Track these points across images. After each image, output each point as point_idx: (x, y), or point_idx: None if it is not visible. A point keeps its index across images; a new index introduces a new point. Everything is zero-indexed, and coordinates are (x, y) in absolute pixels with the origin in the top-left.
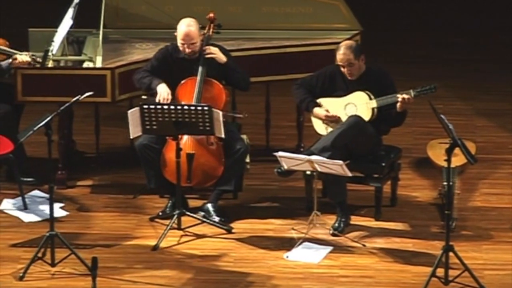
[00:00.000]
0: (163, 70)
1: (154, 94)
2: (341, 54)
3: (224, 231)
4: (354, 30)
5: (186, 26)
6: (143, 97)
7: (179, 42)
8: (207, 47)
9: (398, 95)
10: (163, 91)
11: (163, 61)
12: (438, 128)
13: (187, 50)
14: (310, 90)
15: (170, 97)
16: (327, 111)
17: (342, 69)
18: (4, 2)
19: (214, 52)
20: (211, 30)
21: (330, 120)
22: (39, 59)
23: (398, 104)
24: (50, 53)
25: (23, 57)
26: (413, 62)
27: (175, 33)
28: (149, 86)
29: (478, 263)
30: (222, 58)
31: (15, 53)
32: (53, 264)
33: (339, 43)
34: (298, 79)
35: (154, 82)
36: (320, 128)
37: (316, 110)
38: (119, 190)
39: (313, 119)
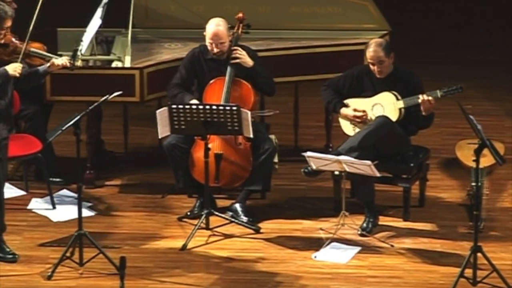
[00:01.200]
0: (192, 75)
1: None
2: (371, 52)
3: (252, 231)
4: (383, 30)
5: (215, 26)
6: None
7: (208, 41)
8: (236, 48)
9: (428, 96)
10: None
11: (191, 66)
12: (466, 129)
13: (215, 50)
14: (337, 91)
15: None
16: (355, 111)
17: (371, 67)
18: (34, 2)
19: (241, 56)
20: (240, 30)
21: (358, 120)
22: (77, 64)
23: (422, 107)
24: (79, 53)
25: (59, 60)
26: (442, 62)
27: (204, 33)
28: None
29: (506, 264)
30: (248, 62)
31: (52, 57)
32: (81, 264)
33: (367, 43)
34: (326, 80)
35: (185, 100)
36: (348, 128)
37: (344, 110)
38: (148, 189)
39: (341, 120)
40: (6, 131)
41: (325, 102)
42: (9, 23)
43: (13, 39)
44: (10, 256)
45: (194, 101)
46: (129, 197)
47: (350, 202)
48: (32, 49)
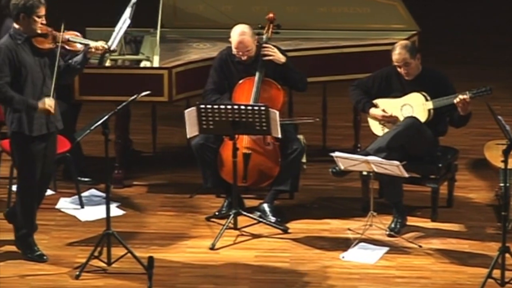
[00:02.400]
0: (223, 78)
1: None
2: (396, 54)
3: (280, 231)
4: (412, 30)
5: (239, 36)
6: None
7: (234, 50)
8: (267, 45)
9: (457, 97)
10: None
11: (221, 69)
12: (495, 129)
13: (243, 58)
14: (366, 91)
15: None
16: (383, 111)
17: (398, 69)
18: (62, 1)
19: (273, 53)
20: (270, 30)
21: (387, 120)
22: (113, 47)
23: (459, 108)
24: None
25: (98, 44)
26: (470, 63)
27: (230, 39)
28: None
29: None
30: (280, 58)
31: (89, 42)
32: (109, 263)
33: (396, 43)
34: (355, 81)
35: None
36: (377, 128)
37: (373, 110)
38: (176, 189)
39: (370, 120)
40: (45, 128)
41: (353, 102)
42: (43, 11)
43: (49, 29)
44: (39, 255)
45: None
46: (157, 197)
47: (378, 203)
48: (70, 36)
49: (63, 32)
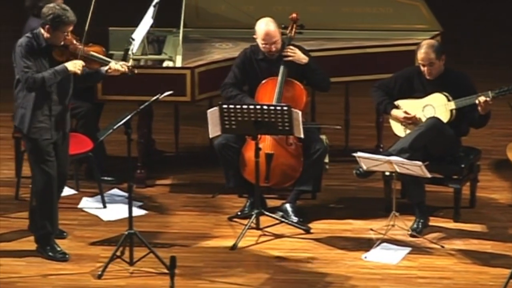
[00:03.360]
0: (245, 75)
1: None
2: (422, 53)
3: (302, 231)
4: (434, 31)
5: (265, 25)
6: None
7: (261, 43)
8: (288, 47)
9: (478, 97)
10: None
11: (243, 66)
12: None
13: (273, 49)
14: (388, 92)
15: None
16: (405, 112)
17: (422, 68)
18: (86, 1)
19: (294, 54)
20: (293, 30)
21: (409, 121)
22: (136, 71)
23: (479, 107)
24: (130, 52)
25: (117, 66)
26: (493, 63)
27: (254, 36)
28: None
29: None
30: (302, 59)
31: (110, 61)
32: (131, 263)
33: (419, 44)
34: (376, 82)
35: (246, 102)
36: (399, 129)
37: (394, 111)
38: (198, 189)
39: (391, 121)
40: (56, 133)
41: (375, 103)
42: (70, 28)
43: (74, 41)
44: (61, 255)
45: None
46: (180, 197)
47: (401, 203)
48: (91, 53)
49: (83, 45)
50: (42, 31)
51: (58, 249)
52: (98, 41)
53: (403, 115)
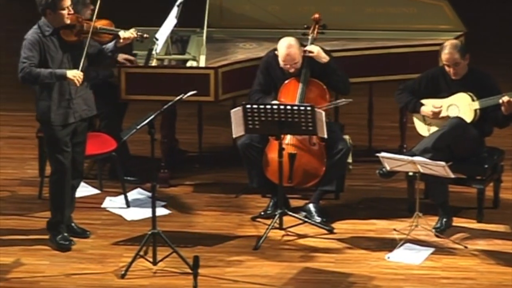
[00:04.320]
0: (269, 80)
1: None
2: (446, 54)
3: (325, 232)
4: (458, 31)
5: (286, 48)
6: None
7: (281, 63)
8: (310, 46)
9: (502, 97)
10: None
11: (267, 71)
12: None
13: (292, 70)
14: (413, 94)
15: None
16: (433, 106)
17: (446, 68)
18: (109, 1)
19: (314, 51)
20: (316, 31)
21: (438, 115)
22: (145, 35)
23: (502, 107)
24: (154, 52)
25: (126, 33)
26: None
27: (276, 52)
28: None
29: None
30: (323, 58)
31: (119, 31)
32: (154, 262)
33: (442, 44)
34: (400, 84)
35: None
36: (422, 129)
37: (424, 108)
38: (221, 189)
39: (415, 120)
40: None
41: (402, 105)
42: (68, 2)
43: (78, 19)
44: (67, 242)
45: (275, 102)
46: (203, 197)
47: (424, 203)
48: (100, 26)
49: (94, 21)
50: (45, 19)
51: (76, 227)
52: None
53: (433, 110)
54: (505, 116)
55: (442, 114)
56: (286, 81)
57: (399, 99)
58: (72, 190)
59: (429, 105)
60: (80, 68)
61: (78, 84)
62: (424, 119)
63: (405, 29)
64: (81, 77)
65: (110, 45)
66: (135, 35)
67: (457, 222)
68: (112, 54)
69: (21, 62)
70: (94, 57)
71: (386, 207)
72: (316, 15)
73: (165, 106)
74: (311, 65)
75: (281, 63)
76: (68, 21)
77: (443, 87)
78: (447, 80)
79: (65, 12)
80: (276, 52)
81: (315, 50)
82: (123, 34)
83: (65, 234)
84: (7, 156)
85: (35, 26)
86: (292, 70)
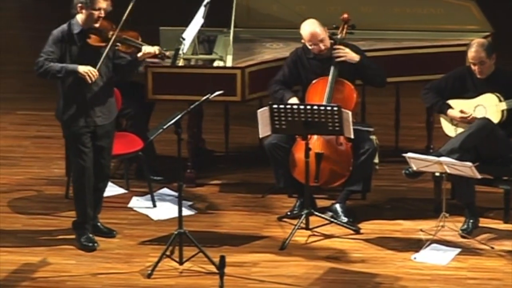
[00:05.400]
0: (295, 74)
1: None
2: (473, 52)
3: (352, 232)
4: (485, 31)
5: (308, 26)
6: None
7: (308, 44)
8: (338, 47)
9: None
10: None
11: (294, 65)
12: None
13: (322, 47)
14: (439, 93)
15: None
16: (461, 111)
17: (472, 66)
18: (136, 1)
19: (344, 54)
20: (344, 31)
21: (465, 121)
22: (168, 53)
23: None
24: (180, 52)
25: (150, 48)
26: None
27: (302, 40)
28: (281, 100)
29: None
30: (354, 58)
31: (143, 45)
32: (181, 262)
33: (470, 43)
34: (426, 84)
35: (285, 96)
36: (449, 129)
37: (451, 111)
38: (248, 189)
39: (442, 121)
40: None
41: (428, 105)
42: (101, 4)
43: (108, 26)
44: (90, 244)
45: (294, 100)
46: (229, 196)
47: (451, 204)
48: (124, 36)
49: (118, 30)
50: (77, 17)
51: (102, 227)
52: (150, 40)
53: (460, 114)
54: None
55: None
56: (314, 81)
57: (426, 99)
58: (98, 192)
59: (457, 109)
60: (97, 67)
61: (89, 81)
62: (451, 119)
63: (432, 29)
64: (94, 74)
65: (132, 57)
66: (157, 52)
67: (484, 222)
68: (131, 68)
69: (40, 55)
70: (122, 67)
71: (413, 208)
72: (345, 15)
73: (192, 106)
74: (340, 64)
75: (308, 44)
76: (97, 25)
77: (470, 87)
78: (473, 79)
79: (96, 13)
80: (303, 41)
81: (344, 52)
82: (147, 48)
83: (90, 235)
84: (33, 155)
85: (66, 24)
86: (322, 48)
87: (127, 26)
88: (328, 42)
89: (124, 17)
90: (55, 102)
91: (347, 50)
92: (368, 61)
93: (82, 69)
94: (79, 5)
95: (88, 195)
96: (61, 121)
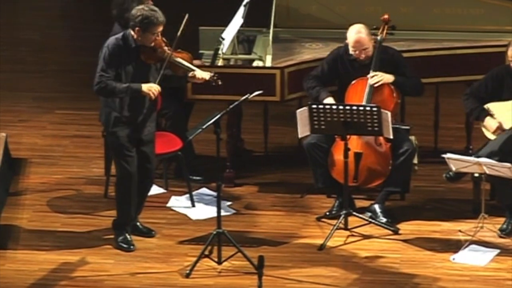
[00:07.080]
0: (333, 72)
1: None
2: (511, 50)
3: (390, 232)
4: None
5: (355, 34)
6: None
7: (351, 49)
8: (373, 74)
9: None
10: None
11: (334, 63)
12: None
13: (362, 56)
14: (479, 97)
15: None
16: (499, 123)
17: (511, 64)
18: (176, 1)
19: (380, 80)
20: (384, 31)
21: (501, 133)
22: (220, 82)
23: None
24: (220, 52)
25: (202, 74)
26: None
27: (347, 41)
28: (316, 98)
29: None
30: (389, 80)
31: (195, 70)
32: (219, 262)
33: (510, 41)
34: (467, 89)
35: (321, 95)
36: (489, 132)
37: (488, 121)
38: (287, 189)
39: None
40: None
41: (467, 111)
42: (160, 29)
43: (163, 45)
44: (126, 245)
45: (330, 100)
46: (268, 197)
47: (490, 205)
48: (176, 59)
49: (172, 51)
50: (132, 33)
51: (141, 227)
52: (188, 40)
53: (497, 125)
54: None
55: (508, 118)
56: (354, 81)
57: (465, 105)
58: (142, 195)
59: (496, 111)
60: (157, 81)
61: (153, 97)
62: None
63: (472, 30)
64: (157, 90)
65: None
66: (209, 78)
67: None
68: (180, 84)
69: (98, 74)
70: (170, 78)
71: (452, 208)
72: (386, 16)
73: (231, 106)
74: (380, 68)
75: (351, 50)
76: (152, 44)
77: (508, 85)
78: None
79: (153, 36)
80: (347, 41)
81: (379, 78)
82: (198, 73)
83: (127, 236)
84: (73, 154)
85: (120, 35)
86: (362, 57)
87: (180, 45)
88: (371, 51)
89: (177, 36)
90: (94, 102)
91: (381, 74)
92: (402, 79)
93: (145, 87)
94: (137, 28)
95: (133, 199)
96: (107, 130)
